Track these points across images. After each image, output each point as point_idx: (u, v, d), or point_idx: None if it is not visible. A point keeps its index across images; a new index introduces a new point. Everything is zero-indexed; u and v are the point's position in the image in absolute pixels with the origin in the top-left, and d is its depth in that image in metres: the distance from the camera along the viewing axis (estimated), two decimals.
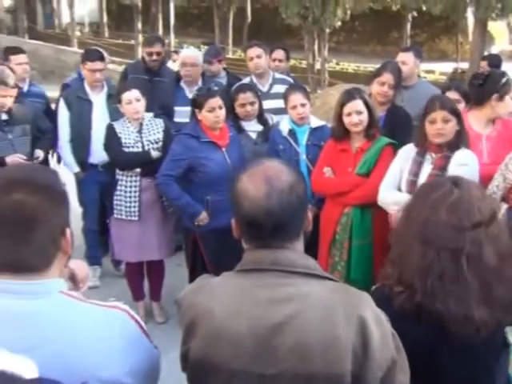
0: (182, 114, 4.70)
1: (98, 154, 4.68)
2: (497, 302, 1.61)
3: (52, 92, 6.29)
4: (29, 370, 0.84)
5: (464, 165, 3.25)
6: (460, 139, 3.34)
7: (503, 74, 3.76)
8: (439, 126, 3.27)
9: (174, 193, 3.90)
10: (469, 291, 1.60)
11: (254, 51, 4.95)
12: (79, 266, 1.63)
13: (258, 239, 1.46)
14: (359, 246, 3.67)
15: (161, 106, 4.86)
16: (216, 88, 4.05)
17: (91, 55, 4.78)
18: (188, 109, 4.21)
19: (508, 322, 1.73)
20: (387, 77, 4.13)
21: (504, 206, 3.16)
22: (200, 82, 5.01)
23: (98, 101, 4.80)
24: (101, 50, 5.09)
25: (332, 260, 3.78)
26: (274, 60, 5.50)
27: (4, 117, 4.30)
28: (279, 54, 5.58)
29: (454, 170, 3.24)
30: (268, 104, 4.63)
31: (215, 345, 1.40)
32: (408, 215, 1.76)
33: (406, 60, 4.65)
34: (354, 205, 3.66)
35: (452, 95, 3.96)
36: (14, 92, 4.33)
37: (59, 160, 5.23)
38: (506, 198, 3.18)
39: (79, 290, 1.60)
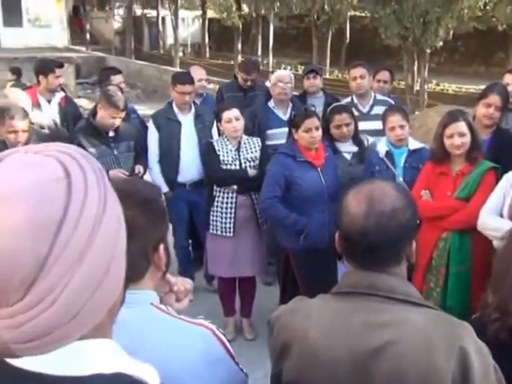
0: (275, 136, 4.76)
1: (187, 173, 4.86)
2: None
3: (154, 110, 6.57)
4: (153, 378, 0.88)
5: None
6: None
7: None
8: None
9: (281, 213, 3.92)
10: None
11: (358, 71, 4.94)
12: (181, 281, 1.66)
13: (352, 257, 1.47)
14: (457, 272, 3.55)
15: (250, 114, 4.89)
16: (313, 108, 4.09)
17: (182, 78, 4.90)
18: (281, 130, 4.27)
19: None
20: (494, 98, 3.98)
21: None
22: (290, 105, 5.07)
23: (187, 121, 4.91)
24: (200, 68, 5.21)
25: (427, 286, 3.67)
26: (379, 81, 5.48)
27: (111, 133, 4.53)
28: (384, 75, 5.55)
29: None
30: (368, 125, 4.62)
31: (310, 367, 1.39)
32: (510, 240, 1.70)
33: None
34: (453, 229, 3.55)
35: None
36: (123, 114, 4.52)
37: None
38: None
39: (178, 303, 1.62)
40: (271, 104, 5.11)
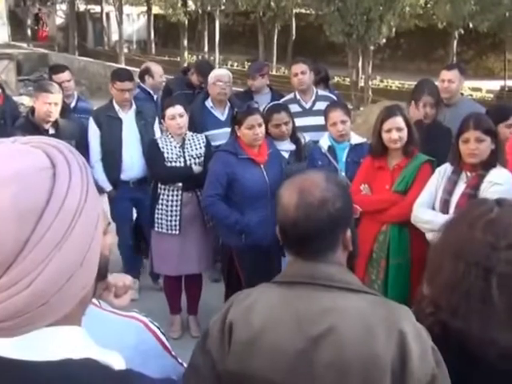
0: (214, 137, 4.68)
1: (130, 171, 4.82)
2: None
3: None
4: (119, 363, 0.89)
5: (496, 184, 3.20)
6: (495, 158, 3.29)
7: None
8: (473, 147, 3.24)
9: (223, 212, 3.91)
10: (494, 313, 1.56)
11: (299, 67, 4.95)
12: (120, 277, 1.64)
13: (289, 248, 1.51)
14: (396, 264, 3.63)
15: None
16: (256, 105, 4.09)
17: (121, 75, 4.86)
18: (219, 131, 4.23)
19: None
20: (426, 99, 4.12)
21: None
22: (228, 104, 5.04)
23: (128, 119, 4.86)
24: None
25: (368, 278, 3.75)
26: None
27: (51, 131, 4.45)
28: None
29: (485, 188, 3.22)
30: (310, 121, 4.66)
31: (253, 357, 1.41)
32: (445, 232, 1.75)
33: (453, 78, 4.59)
34: (392, 222, 3.64)
35: None
36: (58, 99, 4.44)
37: None
38: None
39: (118, 300, 1.60)
40: (209, 104, 5.05)
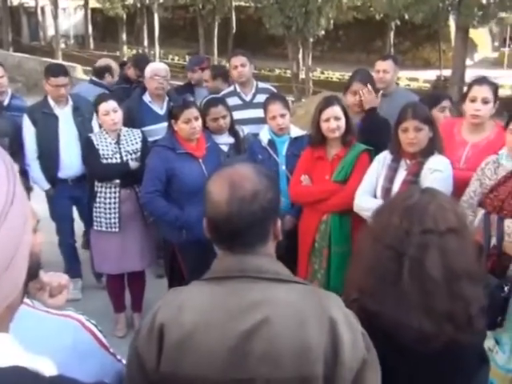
0: (153, 132, 4.62)
1: (68, 169, 4.70)
2: (440, 316, 1.59)
3: None
4: (50, 369, 0.85)
5: (436, 170, 3.27)
6: (433, 146, 3.36)
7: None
8: (411, 136, 3.29)
9: (162, 208, 3.85)
10: (405, 296, 1.60)
11: (239, 60, 4.92)
12: (55, 276, 1.59)
13: (220, 242, 1.49)
14: (338, 253, 3.66)
15: (125, 110, 4.64)
16: (192, 99, 4.04)
17: (54, 70, 4.72)
18: (159, 126, 4.17)
19: (476, 342, 1.73)
20: (358, 86, 4.17)
21: (481, 212, 3.19)
22: (166, 98, 4.97)
23: (64, 115, 4.74)
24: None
25: (312, 268, 3.78)
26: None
27: None
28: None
29: (426, 175, 3.28)
30: (251, 113, 4.63)
31: (186, 356, 1.39)
32: (372, 218, 1.79)
33: (387, 68, 4.66)
34: (332, 212, 3.67)
35: None
36: None
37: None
38: (483, 204, 3.20)
39: (52, 300, 1.55)
40: (147, 98, 4.96)
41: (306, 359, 1.35)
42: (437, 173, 3.26)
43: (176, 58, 22.17)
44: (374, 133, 3.85)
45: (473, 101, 3.59)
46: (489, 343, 3.24)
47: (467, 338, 1.63)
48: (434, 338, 1.59)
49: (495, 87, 3.71)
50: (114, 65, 6.10)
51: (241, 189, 1.43)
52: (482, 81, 3.70)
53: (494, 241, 3.11)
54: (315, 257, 3.76)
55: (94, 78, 5.99)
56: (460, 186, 3.31)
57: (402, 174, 3.39)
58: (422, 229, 1.62)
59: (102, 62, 6.20)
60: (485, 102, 3.58)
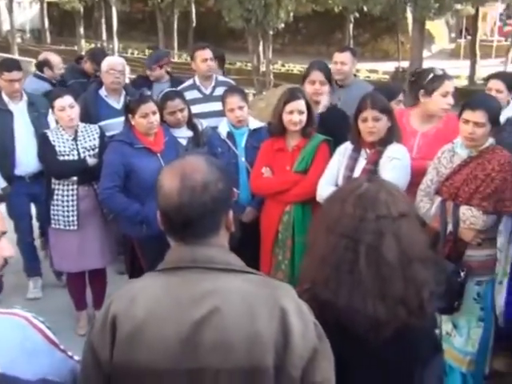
0: (111, 127, 4.52)
1: (25, 166, 4.60)
2: (395, 301, 1.62)
3: None
4: None
5: (394, 158, 3.34)
6: (392, 135, 3.42)
7: (432, 70, 3.85)
8: (370, 125, 3.34)
9: (121, 204, 3.82)
10: (361, 283, 1.62)
11: (208, 53, 4.90)
12: None
13: (172, 233, 1.50)
14: (302, 243, 3.67)
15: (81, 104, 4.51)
16: (148, 93, 4.00)
17: (8, 65, 4.63)
18: (116, 120, 4.14)
19: (428, 327, 1.76)
20: (316, 74, 4.19)
21: (438, 199, 3.26)
22: (123, 92, 4.90)
23: (19, 110, 4.64)
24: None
25: (275, 259, 3.80)
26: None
27: None
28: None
29: (384, 163, 3.34)
30: (211, 107, 4.61)
31: (139, 347, 1.40)
32: (322, 208, 1.80)
33: (345, 60, 4.70)
34: (295, 202, 3.70)
35: (495, 85, 4.09)
36: None
37: None
38: (440, 191, 3.27)
39: None
40: (103, 93, 4.86)
41: (256, 349, 1.36)
42: (395, 161, 3.33)
43: (136, 51, 21.90)
44: (332, 126, 3.88)
45: (445, 95, 3.67)
46: (447, 327, 3.33)
47: (418, 323, 1.65)
48: (387, 323, 1.61)
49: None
50: (55, 58, 5.93)
51: (191, 180, 1.44)
52: (449, 76, 3.82)
53: (450, 227, 3.18)
54: (279, 248, 3.78)
55: (37, 72, 5.89)
56: (414, 175, 3.39)
57: (362, 163, 3.44)
58: (376, 215, 1.64)
59: (41, 57, 6.07)
60: (452, 95, 3.71)
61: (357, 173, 3.40)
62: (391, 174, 3.17)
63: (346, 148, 3.54)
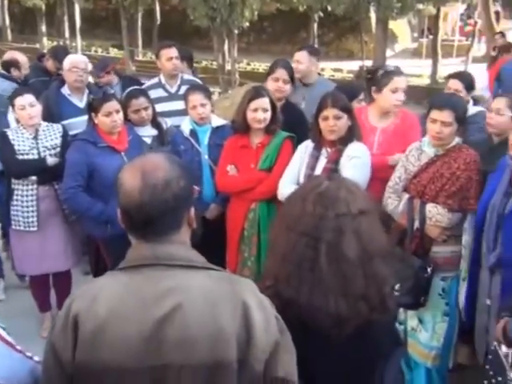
0: (73, 125, 4.46)
1: None
2: (356, 297, 1.64)
3: None
4: None
5: (355, 157, 3.38)
6: (352, 134, 3.46)
7: (384, 67, 3.93)
8: (331, 124, 3.38)
9: (84, 204, 3.78)
10: (322, 280, 1.63)
11: (173, 52, 4.88)
12: None
13: (133, 231, 1.50)
14: (268, 239, 3.70)
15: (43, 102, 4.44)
16: (112, 91, 3.96)
17: None
18: (79, 119, 4.08)
19: (389, 322, 1.79)
20: (280, 72, 4.23)
21: (405, 196, 3.30)
22: (86, 91, 4.85)
23: None
24: None
25: (242, 256, 3.82)
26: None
27: None
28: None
29: (345, 162, 3.38)
30: (176, 105, 4.57)
31: (101, 346, 1.39)
32: (283, 206, 1.82)
33: (301, 59, 4.76)
34: (260, 200, 3.71)
35: (454, 85, 4.15)
36: None
37: None
38: (407, 189, 3.32)
39: None
40: (65, 91, 4.80)
41: (219, 344, 1.38)
42: (355, 159, 3.37)
43: (99, 49, 21.62)
44: (291, 124, 3.90)
45: (394, 91, 3.72)
46: (412, 323, 3.38)
47: (380, 318, 1.68)
48: (349, 320, 1.63)
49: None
50: (22, 58, 5.83)
51: (152, 177, 1.44)
52: (400, 72, 3.87)
53: (417, 224, 3.23)
54: (245, 245, 3.80)
55: (2, 72, 5.76)
56: (374, 170, 3.44)
57: (322, 162, 3.48)
58: (336, 213, 1.66)
59: (8, 56, 5.96)
60: (403, 91, 3.76)
61: (318, 171, 3.43)
62: (351, 172, 3.21)
63: (307, 146, 3.57)
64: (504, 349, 2.52)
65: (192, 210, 1.54)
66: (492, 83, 8.03)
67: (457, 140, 3.24)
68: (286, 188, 3.49)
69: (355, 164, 3.34)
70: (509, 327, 2.51)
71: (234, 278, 1.52)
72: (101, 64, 5.77)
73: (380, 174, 3.50)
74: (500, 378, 2.48)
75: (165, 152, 3.79)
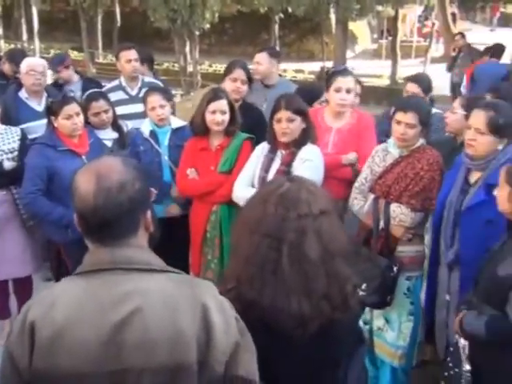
0: (32, 129, 4.40)
1: None
2: (318, 297, 1.65)
3: None
4: None
5: (308, 160, 3.41)
6: (306, 136, 3.49)
7: (337, 67, 3.99)
8: (284, 126, 3.41)
9: (45, 208, 3.73)
10: (284, 281, 1.64)
11: (133, 54, 4.86)
12: None
13: (89, 235, 1.48)
14: (230, 241, 3.71)
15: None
16: (72, 94, 3.92)
17: None
18: (38, 123, 4.03)
19: (352, 320, 1.81)
20: (239, 72, 4.25)
21: (371, 196, 3.35)
22: (45, 94, 4.78)
23: None
24: None
25: (205, 259, 3.81)
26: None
27: None
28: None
29: (298, 165, 3.41)
30: (137, 108, 4.55)
31: (59, 352, 1.38)
32: (244, 208, 1.83)
33: (261, 60, 4.80)
34: (221, 202, 3.71)
35: (411, 88, 4.21)
36: None
37: None
38: (373, 189, 3.36)
39: None
40: (23, 95, 4.74)
41: (179, 346, 1.38)
42: (308, 162, 3.40)
43: (58, 52, 21.25)
44: (250, 124, 3.92)
45: (338, 91, 3.77)
46: (379, 322, 3.41)
47: (343, 317, 1.70)
48: (312, 320, 1.64)
49: (356, 78, 3.95)
50: None
51: (107, 180, 1.43)
52: (344, 72, 3.91)
53: (382, 224, 3.27)
54: (208, 247, 3.79)
55: None
56: (328, 169, 3.49)
57: (276, 164, 3.50)
58: (298, 214, 1.67)
59: None
60: (348, 91, 3.79)
61: (271, 174, 3.45)
62: (304, 175, 3.22)
63: (263, 148, 3.60)
64: (462, 341, 2.60)
65: (149, 213, 1.53)
66: (468, 84, 8.33)
67: (421, 141, 3.30)
68: (240, 191, 3.50)
69: (308, 167, 3.36)
70: (464, 320, 2.58)
71: (193, 281, 1.53)
72: (58, 58, 5.67)
73: (334, 174, 3.57)
74: (457, 370, 2.55)
75: (124, 155, 3.79)
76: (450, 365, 2.63)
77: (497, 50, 9.09)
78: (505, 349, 2.43)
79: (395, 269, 3.20)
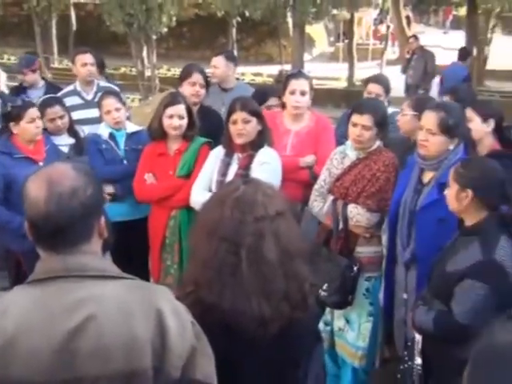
0: None
1: None
2: (278, 298, 1.67)
3: None
4: None
5: (265, 163, 3.43)
6: (262, 138, 3.52)
7: (293, 70, 4.03)
8: (240, 127, 3.43)
9: (3, 217, 3.67)
10: (243, 284, 1.65)
11: (88, 58, 4.84)
12: None
13: (41, 243, 1.46)
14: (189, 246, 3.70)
15: None
16: (28, 99, 3.87)
17: None
18: None
19: (310, 319, 1.83)
20: (197, 76, 4.27)
21: (330, 198, 3.38)
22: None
23: None
24: None
25: (164, 264, 3.79)
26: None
27: None
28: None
29: (256, 167, 3.42)
30: (93, 113, 4.49)
31: (11, 361, 1.35)
32: (201, 212, 1.83)
33: (217, 64, 4.83)
34: (180, 207, 3.69)
35: (374, 89, 4.25)
36: None
37: None
38: (332, 191, 3.40)
39: None
40: None
41: (134, 352, 1.37)
42: (265, 165, 3.42)
43: (12, 57, 20.80)
44: (209, 127, 3.93)
45: (292, 93, 3.80)
46: (340, 323, 3.44)
47: (302, 316, 1.72)
48: (272, 321, 1.65)
49: (310, 80, 3.98)
50: None
51: (58, 186, 1.41)
52: (298, 75, 3.95)
53: (341, 224, 3.31)
54: (167, 253, 3.77)
55: None
56: (286, 171, 3.52)
57: (234, 168, 3.51)
58: (255, 216, 1.68)
59: None
60: (302, 93, 3.83)
61: (229, 177, 3.45)
62: (262, 177, 3.24)
63: (219, 151, 3.59)
64: (417, 336, 2.66)
65: (102, 219, 1.51)
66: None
67: (378, 143, 3.35)
68: (197, 195, 3.49)
69: (265, 169, 3.38)
70: (415, 315, 2.65)
71: (148, 286, 1.52)
72: (26, 60, 5.51)
73: (292, 176, 3.60)
74: (410, 363, 2.62)
75: (82, 161, 3.75)
76: (406, 358, 2.70)
77: (463, 53, 9.67)
78: (450, 343, 2.49)
79: (355, 268, 3.24)
